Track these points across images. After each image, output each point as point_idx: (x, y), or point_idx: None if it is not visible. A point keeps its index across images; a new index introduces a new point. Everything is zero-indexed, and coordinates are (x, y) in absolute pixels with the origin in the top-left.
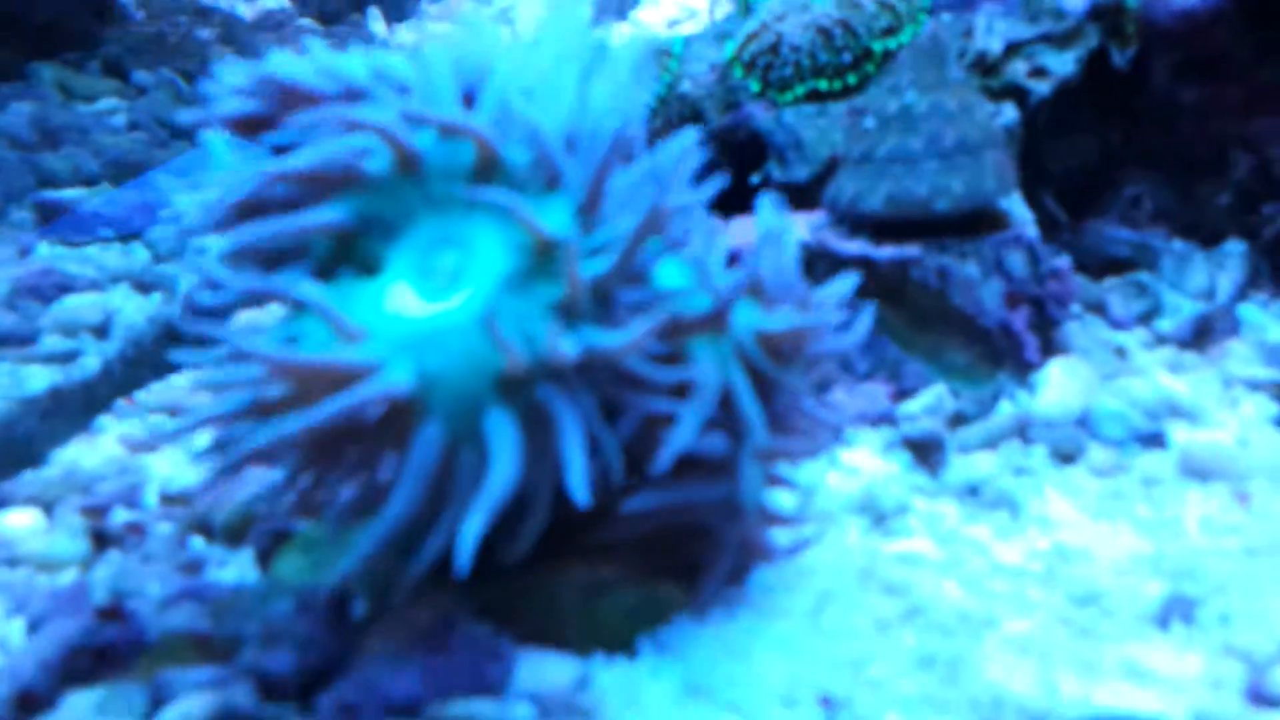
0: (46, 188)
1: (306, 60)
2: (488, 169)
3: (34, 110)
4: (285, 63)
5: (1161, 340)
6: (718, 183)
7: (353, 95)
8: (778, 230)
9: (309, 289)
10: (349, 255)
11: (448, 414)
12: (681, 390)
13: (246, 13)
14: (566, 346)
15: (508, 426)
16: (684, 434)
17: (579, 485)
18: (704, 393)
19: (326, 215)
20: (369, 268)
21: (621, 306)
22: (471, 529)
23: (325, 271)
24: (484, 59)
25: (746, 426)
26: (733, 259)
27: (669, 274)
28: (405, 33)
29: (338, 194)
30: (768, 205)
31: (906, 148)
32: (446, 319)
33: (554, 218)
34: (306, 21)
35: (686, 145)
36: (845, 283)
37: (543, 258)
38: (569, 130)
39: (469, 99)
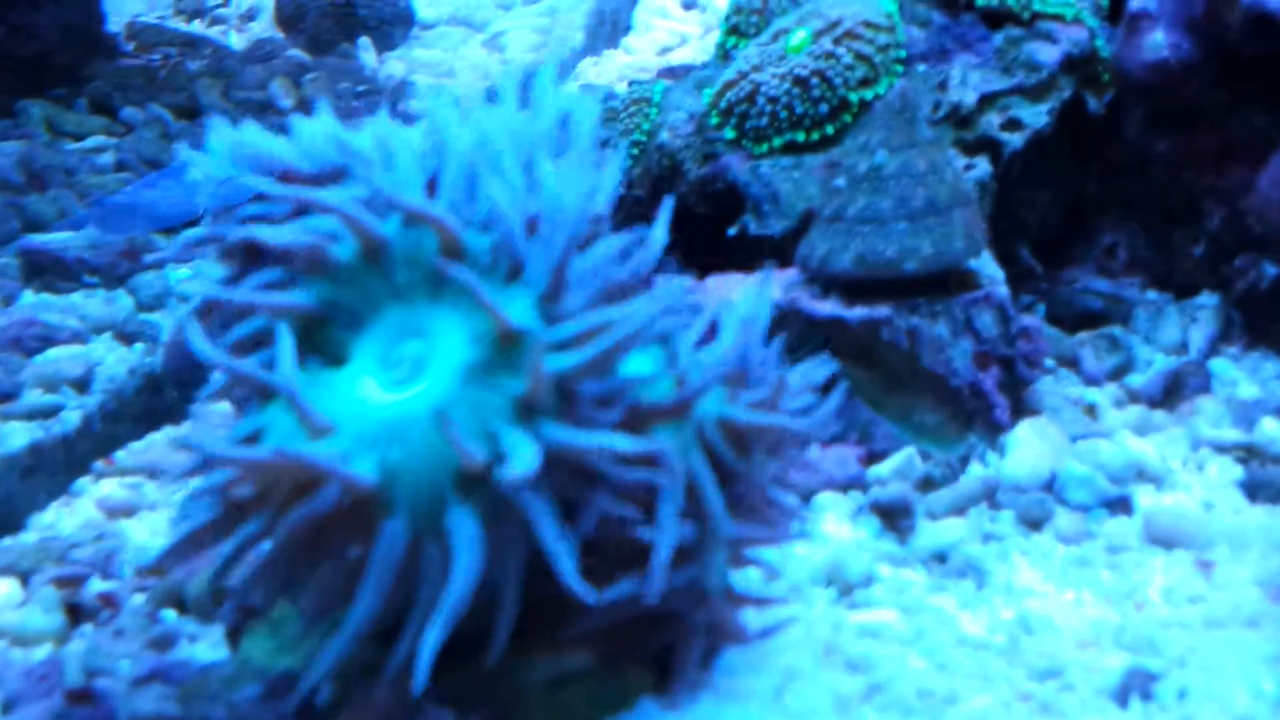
0: (33, 232)
1: (280, 142)
2: (451, 257)
3: (22, 150)
4: (254, 147)
5: (1133, 397)
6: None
7: (329, 175)
8: (756, 316)
9: (283, 377)
10: (313, 342)
11: (411, 508)
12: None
13: (237, 42)
14: (480, 455)
15: (468, 525)
16: (664, 550)
17: (570, 575)
18: (672, 492)
19: (294, 299)
20: (333, 355)
21: (584, 399)
22: (430, 641)
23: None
24: (445, 137)
25: (710, 515)
26: (711, 330)
27: (633, 357)
28: (395, 63)
29: (305, 278)
30: (755, 286)
31: (876, 208)
32: (406, 410)
33: (516, 307)
34: (296, 53)
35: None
36: (818, 370)
37: (505, 348)
38: (531, 212)
39: (433, 184)
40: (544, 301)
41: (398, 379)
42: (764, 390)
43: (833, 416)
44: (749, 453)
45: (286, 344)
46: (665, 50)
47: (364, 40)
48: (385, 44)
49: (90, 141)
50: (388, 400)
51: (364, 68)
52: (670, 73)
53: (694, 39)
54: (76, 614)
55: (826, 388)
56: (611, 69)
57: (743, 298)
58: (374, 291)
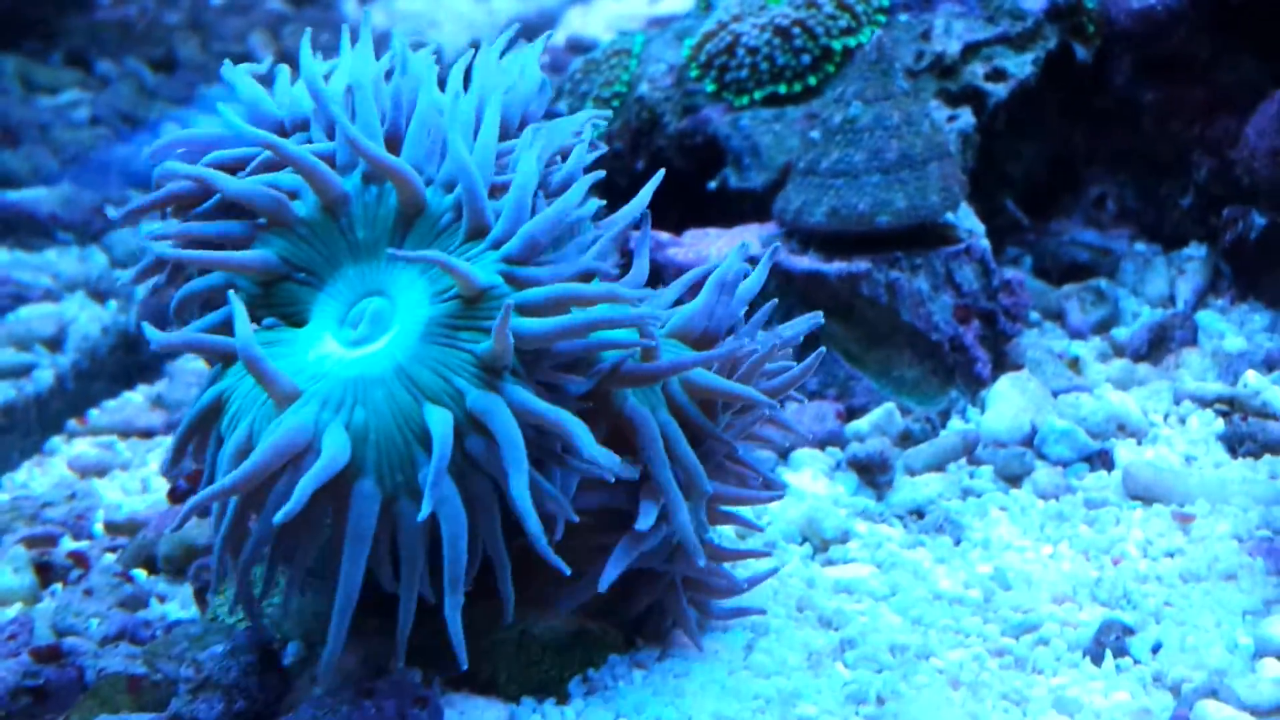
0: (6, 188)
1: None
2: (412, 214)
3: None
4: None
5: (1118, 350)
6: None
7: (299, 126)
8: (731, 279)
9: (245, 346)
10: (271, 301)
11: (378, 469)
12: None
13: None
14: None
15: (444, 482)
16: (680, 515)
17: (537, 535)
18: (658, 459)
19: (255, 257)
20: (293, 314)
21: (548, 363)
22: (452, 611)
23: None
24: (410, 94)
25: (687, 471)
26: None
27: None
28: (377, 14)
29: (264, 235)
30: (734, 253)
31: (849, 161)
32: (369, 369)
33: (481, 265)
34: (276, 4)
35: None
36: (797, 327)
37: (468, 307)
38: (492, 171)
39: (391, 142)
40: (511, 262)
41: (358, 337)
42: (730, 351)
43: (799, 380)
44: (715, 413)
45: (241, 312)
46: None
47: None
48: None
49: (65, 96)
50: (350, 357)
51: (345, 18)
52: (659, 23)
53: None
54: (47, 573)
55: (809, 343)
56: (599, 19)
57: (720, 260)
58: (334, 248)
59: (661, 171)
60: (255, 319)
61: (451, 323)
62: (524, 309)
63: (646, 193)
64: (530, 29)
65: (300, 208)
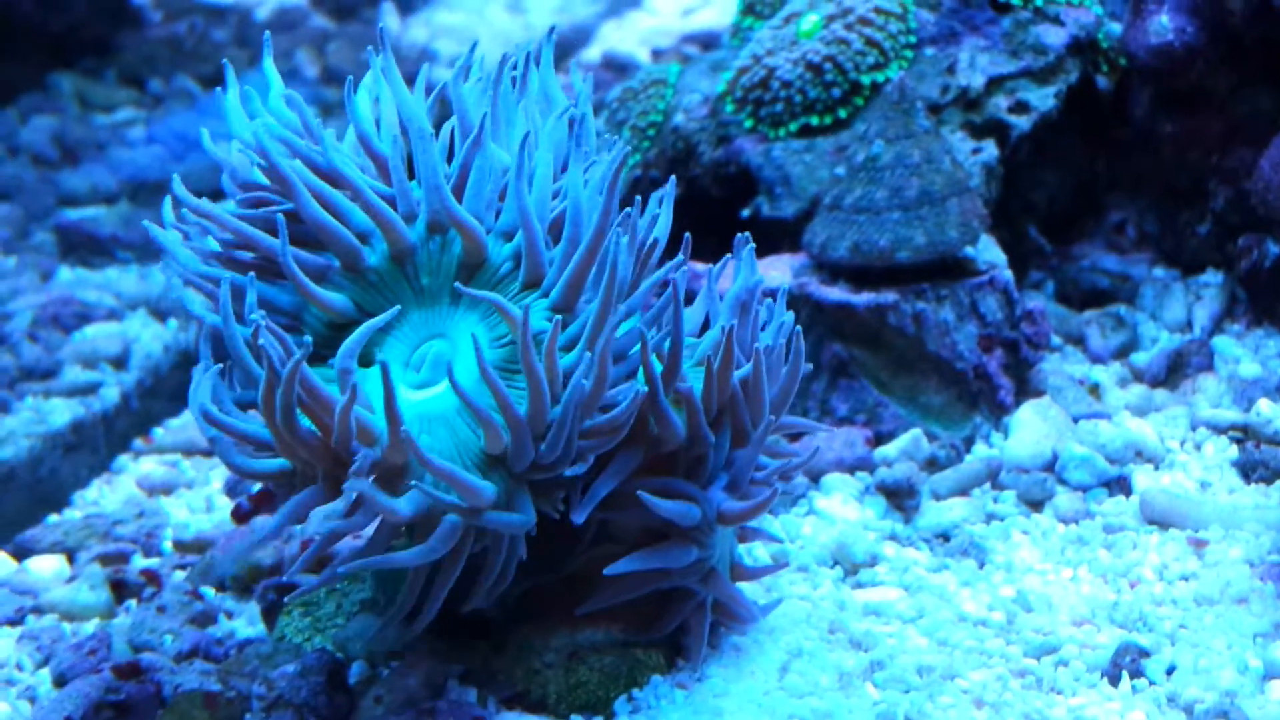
0: (67, 207)
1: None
2: (474, 264)
3: (53, 125)
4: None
5: (1137, 375)
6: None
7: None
8: (745, 295)
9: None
10: (339, 343)
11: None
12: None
13: (261, 11)
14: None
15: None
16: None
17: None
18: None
19: (335, 300)
20: (361, 355)
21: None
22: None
23: (314, 355)
24: (474, 141)
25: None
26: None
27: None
28: (418, 28)
29: (339, 279)
30: (746, 264)
31: (871, 198)
32: (435, 407)
33: (534, 314)
34: (320, 20)
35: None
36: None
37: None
38: (550, 220)
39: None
40: (558, 310)
41: (421, 380)
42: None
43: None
44: (721, 426)
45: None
46: (689, 12)
47: (387, 4)
48: (408, 6)
49: (120, 114)
50: (414, 399)
51: (386, 34)
52: (693, 39)
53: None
54: (121, 590)
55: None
56: (633, 33)
57: (736, 278)
58: (401, 294)
59: (673, 179)
60: (324, 360)
61: (506, 366)
62: (568, 345)
63: (668, 213)
64: (566, 43)
65: (370, 255)
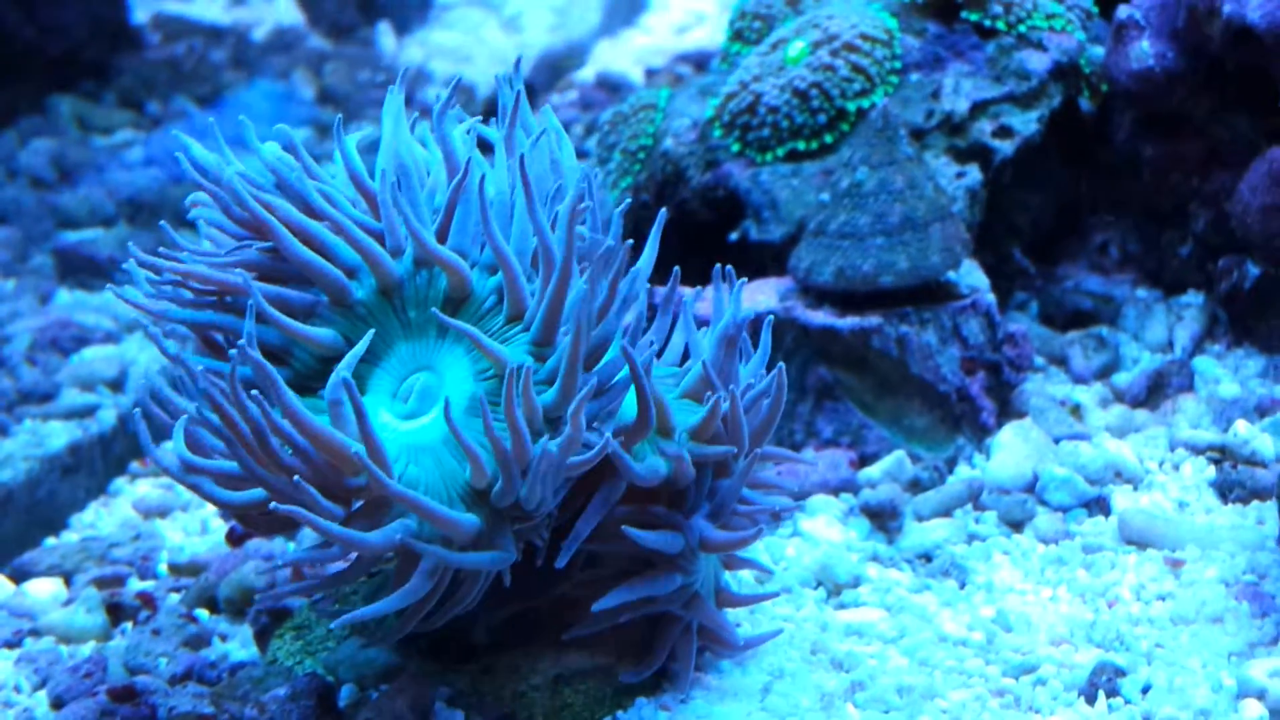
0: (65, 229)
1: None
2: (459, 298)
3: (52, 147)
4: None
5: (1118, 396)
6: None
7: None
8: (733, 332)
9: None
10: (326, 375)
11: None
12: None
13: (259, 32)
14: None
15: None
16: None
17: None
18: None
19: (323, 335)
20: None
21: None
22: None
23: (304, 387)
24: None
25: (693, 522)
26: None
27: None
28: (414, 48)
29: (327, 313)
30: (732, 298)
31: (854, 224)
32: (421, 438)
33: (514, 348)
34: (316, 41)
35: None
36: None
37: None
38: (531, 253)
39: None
40: (537, 345)
41: (409, 411)
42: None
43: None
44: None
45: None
46: (683, 30)
47: (383, 25)
48: (404, 26)
49: (118, 136)
50: (402, 429)
51: (383, 55)
52: (686, 59)
53: (711, 18)
54: (117, 613)
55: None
56: (628, 51)
57: (715, 309)
58: (389, 327)
59: (663, 211)
60: (313, 392)
61: (492, 399)
62: (545, 381)
63: (654, 243)
64: (560, 62)
65: (358, 289)
